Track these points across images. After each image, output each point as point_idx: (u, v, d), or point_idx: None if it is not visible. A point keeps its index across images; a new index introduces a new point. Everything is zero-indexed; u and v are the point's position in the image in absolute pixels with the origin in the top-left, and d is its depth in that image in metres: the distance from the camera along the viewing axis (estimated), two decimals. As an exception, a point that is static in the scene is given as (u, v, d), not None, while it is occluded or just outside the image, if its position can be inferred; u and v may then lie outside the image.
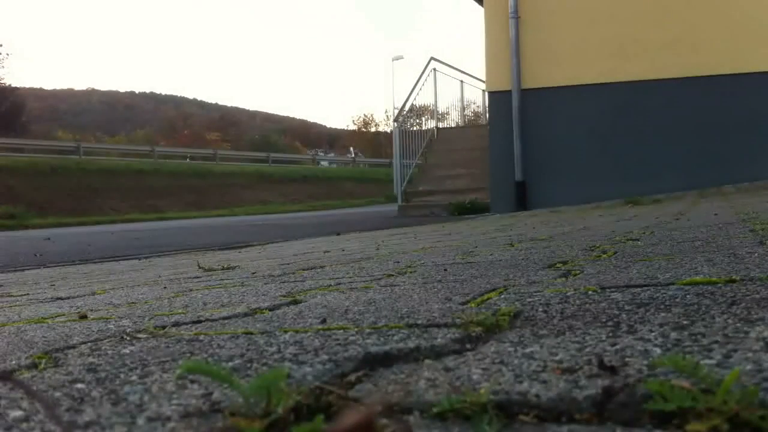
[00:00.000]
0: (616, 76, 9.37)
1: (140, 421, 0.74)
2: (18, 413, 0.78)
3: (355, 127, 67.36)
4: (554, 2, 9.70)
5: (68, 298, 2.25)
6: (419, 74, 13.32)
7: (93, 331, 1.39)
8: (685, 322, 1.03)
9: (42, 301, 2.19)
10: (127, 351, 1.14)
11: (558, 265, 2.06)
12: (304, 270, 2.63)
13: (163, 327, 1.38)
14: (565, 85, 9.58)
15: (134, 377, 0.94)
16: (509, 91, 9.74)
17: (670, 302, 1.23)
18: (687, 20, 9.16)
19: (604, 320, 1.11)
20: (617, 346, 0.91)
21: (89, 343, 1.25)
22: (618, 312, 1.17)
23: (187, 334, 1.27)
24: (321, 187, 35.97)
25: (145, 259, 4.67)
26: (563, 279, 1.72)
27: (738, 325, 0.98)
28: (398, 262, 2.65)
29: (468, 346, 0.99)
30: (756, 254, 1.89)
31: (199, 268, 3.05)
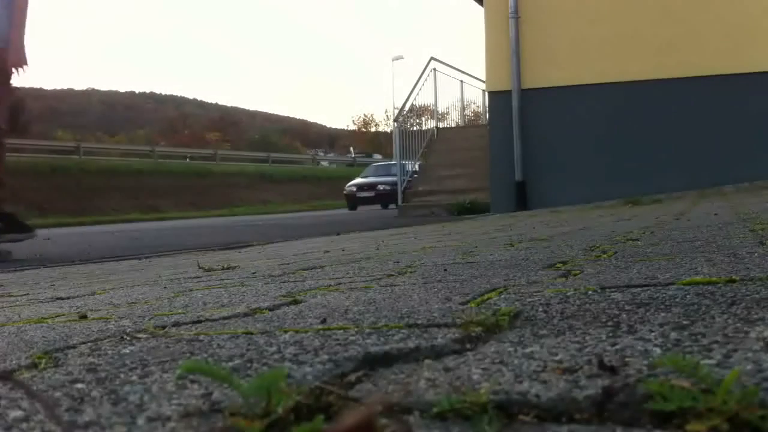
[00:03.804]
0: (616, 76, 9.38)
1: (140, 421, 0.74)
2: (18, 413, 0.78)
3: (355, 127, 67.41)
4: (554, 2, 9.71)
5: (68, 298, 2.25)
6: (419, 74, 13.34)
7: (93, 331, 1.39)
8: (685, 322, 1.03)
9: (42, 301, 2.19)
10: (127, 351, 1.14)
11: (558, 265, 2.06)
12: (304, 270, 2.63)
13: (163, 327, 1.38)
14: (565, 85, 9.58)
15: (134, 377, 0.94)
16: (509, 91, 9.74)
17: (670, 302, 1.23)
18: (687, 20, 9.17)
19: (604, 320, 1.11)
20: (617, 346, 0.91)
21: (89, 343, 1.25)
22: (618, 312, 1.17)
23: (187, 334, 1.27)
24: (321, 187, 35.99)
25: (145, 259, 4.67)
26: (563, 279, 1.72)
27: (738, 325, 0.98)
28: (398, 262, 2.65)
29: (468, 346, 0.99)
30: (756, 254, 1.89)
31: (199, 268, 3.05)
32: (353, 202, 24.61)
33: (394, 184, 23.77)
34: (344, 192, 25.67)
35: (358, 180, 26.13)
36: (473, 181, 11.98)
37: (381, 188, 23.99)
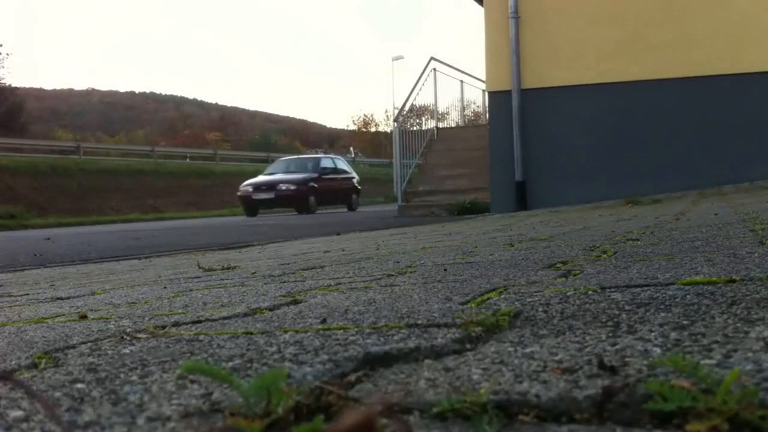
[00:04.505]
0: (616, 76, 9.38)
1: (140, 421, 0.74)
2: (18, 413, 0.78)
3: (355, 127, 67.45)
4: (554, 2, 9.70)
5: (68, 298, 2.25)
6: (419, 74, 13.33)
7: (93, 331, 1.39)
8: (685, 322, 1.03)
9: (42, 301, 2.19)
10: (127, 351, 1.14)
11: (558, 265, 2.06)
12: (304, 270, 2.64)
13: (163, 327, 1.38)
14: (565, 85, 9.58)
15: (134, 377, 0.94)
16: (509, 91, 9.74)
17: (670, 302, 1.23)
18: (687, 20, 9.17)
19: (604, 320, 1.11)
20: (617, 346, 0.91)
21: (89, 343, 1.25)
22: (618, 312, 1.17)
23: (187, 334, 1.27)
24: (321, 187, 35.89)
25: (145, 259, 4.67)
26: (563, 279, 1.72)
27: (738, 325, 0.98)
28: (398, 262, 2.66)
29: (468, 346, 0.99)
30: (756, 254, 1.89)
31: (199, 268, 3.05)
32: (250, 205, 19.18)
33: (303, 182, 19.37)
34: (238, 193, 20.06)
35: (257, 178, 20.64)
36: (473, 181, 11.98)
37: (283, 188, 19.20)
